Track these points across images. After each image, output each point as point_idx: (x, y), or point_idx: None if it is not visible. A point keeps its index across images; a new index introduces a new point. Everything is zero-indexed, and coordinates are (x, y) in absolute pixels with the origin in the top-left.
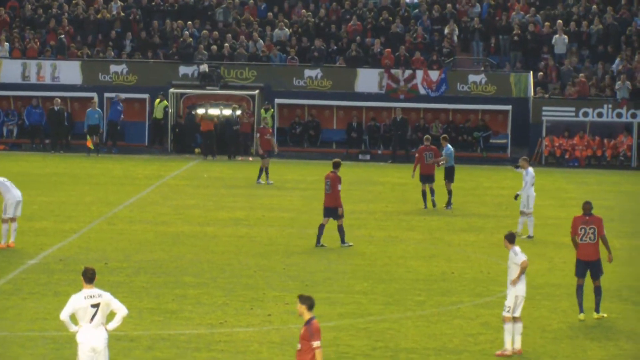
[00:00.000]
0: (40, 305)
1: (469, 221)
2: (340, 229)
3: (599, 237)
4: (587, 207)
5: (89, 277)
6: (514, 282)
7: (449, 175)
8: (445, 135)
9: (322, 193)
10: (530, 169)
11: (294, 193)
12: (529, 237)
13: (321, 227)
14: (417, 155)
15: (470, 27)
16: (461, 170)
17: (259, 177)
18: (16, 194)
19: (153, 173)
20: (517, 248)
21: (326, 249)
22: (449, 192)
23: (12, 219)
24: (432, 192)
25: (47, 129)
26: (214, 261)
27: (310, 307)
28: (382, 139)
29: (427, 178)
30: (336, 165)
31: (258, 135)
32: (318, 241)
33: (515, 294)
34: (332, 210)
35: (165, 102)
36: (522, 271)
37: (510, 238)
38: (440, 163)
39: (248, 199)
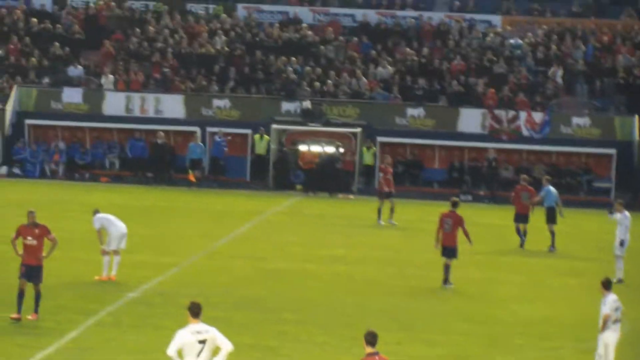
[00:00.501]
0: (140, 339)
1: (571, 264)
2: (447, 269)
3: None
4: None
5: (195, 311)
6: (601, 331)
7: (551, 217)
8: (547, 176)
9: (422, 232)
10: (627, 213)
11: (394, 232)
12: (619, 280)
13: (446, 267)
14: (513, 194)
15: (575, 69)
16: (565, 213)
17: (379, 217)
18: (120, 226)
19: (254, 208)
20: (609, 297)
21: (425, 288)
22: (552, 234)
23: (115, 252)
24: (525, 233)
25: (149, 161)
26: (313, 298)
27: (369, 342)
28: (484, 179)
29: (521, 218)
30: (455, 205)
31: (381, 174)
32: (445, 281)
33: (605, 342)
34: (452, 250)
35: (267, 137)
36: (604, 323)
37: (605, 284)
38: (535, 201)
39: (348, 236)
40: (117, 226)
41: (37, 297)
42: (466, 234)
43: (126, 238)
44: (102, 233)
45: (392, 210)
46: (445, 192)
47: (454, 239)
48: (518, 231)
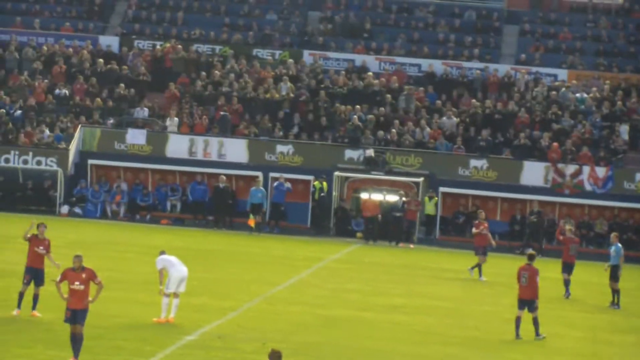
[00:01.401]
0: None
1: (631, 321)
2: (535, 321)
3: None
4: None
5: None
6: None
7: (615, 274)
8: (616, 233)
9: (482, 284)
10: None
11: (454, 283)
12: None
13: (518, 320)
14: (561, 239)
15: (638, 126)
16: (626, 269)
17: (479, 274)
18: (182, 269)
19: (313, 255)
20: None
21: (483, 340)
22: (616, 292)
23: (175, 295)
24: (569, 282)
25: (210, 205)
26: (370, 347)
27: None
28: (547, 233)
29: (568, 267)
30: (531, 258)
31: (474, 229)
32: (517, 334)
33: None
34: (529, 302)
35: (325, 184)
36: None
37: None
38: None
39: (407, 286)
40: (179, 269)
41: (80, 340)
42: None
43: (186, 281)
44: (164, 274)
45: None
46: (506, 245)
47: (532, 292)
48: (565, 282)
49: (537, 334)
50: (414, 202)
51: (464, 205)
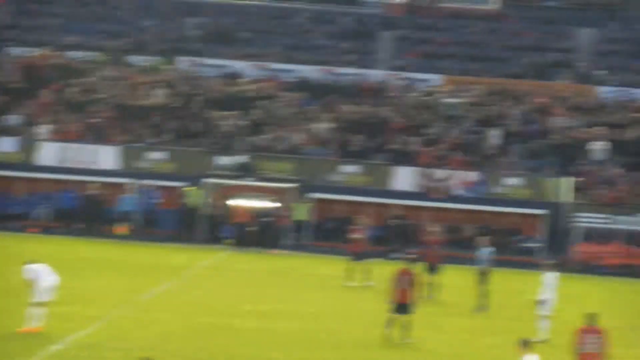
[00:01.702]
0: None
1: (498, 324)
2: (407, 325)
3: (603, 348)
4: (590, 318)
5: None
6: None
7: (483, 278)
8: (486, 236)
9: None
10: (554, 273)
11: (324, 288)
12: (544, 340)
13: (391, 322)
14: (425, 241)
15: (511, 130)
16: (495, 273)
17: (349, 278)
18: (51, 279)
19: (183, 262)
20: (527, 357)
21: (349, 342)
22: (485, 294)
23: (43, 304)
24: (434, 284)
25: (81, 213)
26: (239, 353)
27: None
28: (411, 236)
29: (432, 268)
30: (410, 262)
31: (353, 234)
32: (389, 337)
33: None
34: (404, 305)
35: (199, 191)
36: None
37: (522, 344)
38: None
39: (277, 292)
40: (48, 278)
41: None
42: (418, 290)
43: (54, 290)
44: (31, 284)
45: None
46: (377, 250)
47: (409, 296)
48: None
49: (405, 337)
50: (285, 208)
51: (336, 210)
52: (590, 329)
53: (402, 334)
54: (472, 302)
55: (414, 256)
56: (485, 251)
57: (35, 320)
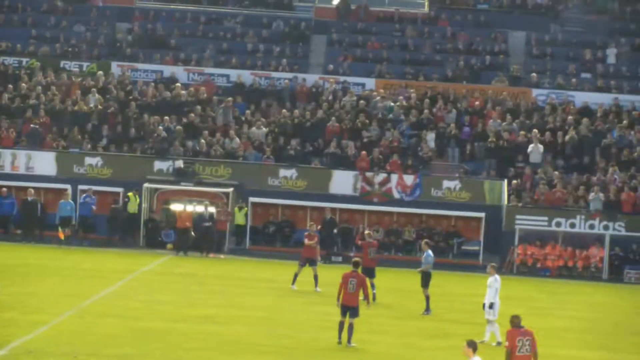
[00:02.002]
0: None
1: (441, 327)
2: (351, 328)
3: (533, 350)
4: (516, 320)
5: None
6: None
7: (426, 281)
8: (427, 240)
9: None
10: (497, 276)
11: (266, 292)
12: (499, 343)
13: (341, 325)
14: (360, 243)
15: (447, 133)
16: (435, 275)
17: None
18: None
19: (124, 267)
20: (475, 358)
21: (295, 348)
22: (427, 298)
23: None
24: (373, 286)
25: (18, 219)
26: (183, 358)
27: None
28: (345, 239)
29: (369, 271)
30: (357, 265)
31: (306, 240)
32: (340, 340)
33: None
34: (352, 308)
35: (136, 196)
36: None
37: (470, 345)
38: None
39: (219, 296)
40: None
41: None
42: (366, 295)
43: None
44: None
45: (314, 277)
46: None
47: (356, 299)
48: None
49: (350, 342)
50: (224, 212)
51: (274, 215)
52: (521, 331)
53: (348, 338)
54: (416, 305)
55: (358, 259)
56: (427, 254)
57: None
